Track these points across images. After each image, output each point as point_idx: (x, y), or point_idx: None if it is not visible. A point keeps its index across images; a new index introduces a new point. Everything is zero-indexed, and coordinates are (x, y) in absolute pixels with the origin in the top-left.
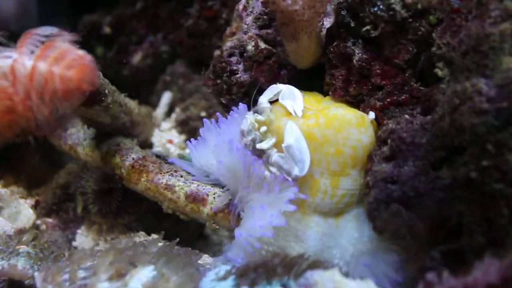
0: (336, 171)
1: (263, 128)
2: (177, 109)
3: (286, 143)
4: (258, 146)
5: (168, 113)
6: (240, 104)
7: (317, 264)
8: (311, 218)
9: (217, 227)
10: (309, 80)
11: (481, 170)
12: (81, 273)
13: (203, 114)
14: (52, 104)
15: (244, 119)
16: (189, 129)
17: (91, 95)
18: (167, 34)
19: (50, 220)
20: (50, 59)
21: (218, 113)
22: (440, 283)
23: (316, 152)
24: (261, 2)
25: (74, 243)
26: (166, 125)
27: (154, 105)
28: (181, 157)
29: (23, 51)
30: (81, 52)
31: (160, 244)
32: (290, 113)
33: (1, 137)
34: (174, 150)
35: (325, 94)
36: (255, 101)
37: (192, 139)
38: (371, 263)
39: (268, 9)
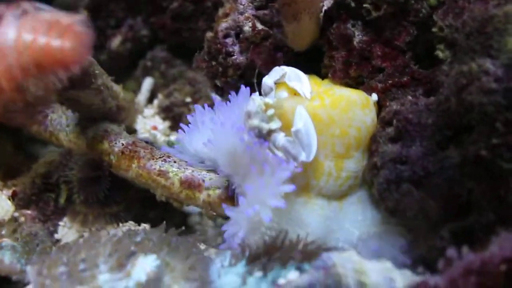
0: (341, 153)
1: (270, 111)
2: (160, 95)
3: (295, 127)
4: (267, 126)
5: (150, 99)
6: (242, 86)
7: (326, 246)
8: (315, 201)
9: (214, 213)
10: (305, 62)
11: (491, 148)
12: (80, 265)
13: (188, 99)
14: (41, 79)
15: (251, 100)
16: (173, 115)
17: (83, 74)
18: (147, 17)
19: (29, 212)
20: (38, 29)
21: (214, 96)
22: (460, 258)
23: (321, 134)
24: None
25: (56, 236)
26: (149, 111)
27: (134, 91)
28: (170, 144)
29: (5, 21)
30: (72, 19)
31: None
32: (296, 96)
33: None
34: (160, 137)
35: (322, 76)
36: (252, 84)
37: (182, 125)
38: (379, 246)
39: None
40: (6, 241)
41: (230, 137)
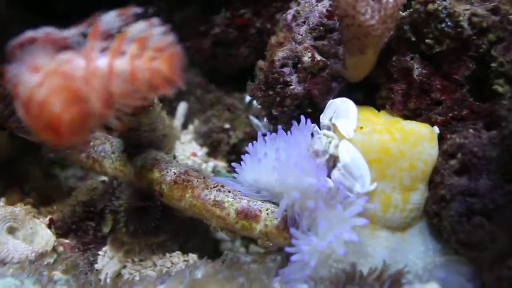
0: (407, 185)
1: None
2: (196, 121)
3: (342, 162)
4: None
5: (184, 125)
6: (303, 118)
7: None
8: (380, 233)
9: (271, 244)
10: (358, 92)
11: None
12: None
13: (227, 126)
14: (139, 101)
15: (318, 139)
16: (211, 142)
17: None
18: (182, 41)
19: (67, 241)
20: (130, 52)
21: (279, 126)
22: None
23: (390, 167)
24: (336, 14)
25: (96, 266)
26: (185, 137)
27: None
28: (217, 172)
29: (93, 48)
30: (163, 37)
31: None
32: (359, 128)
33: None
34: (200, 163)
35: (377, 107)
36: (307, 114)
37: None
38: (446, 276)
39: (344, 23)
40: (57, 274)
41: (296, 172)
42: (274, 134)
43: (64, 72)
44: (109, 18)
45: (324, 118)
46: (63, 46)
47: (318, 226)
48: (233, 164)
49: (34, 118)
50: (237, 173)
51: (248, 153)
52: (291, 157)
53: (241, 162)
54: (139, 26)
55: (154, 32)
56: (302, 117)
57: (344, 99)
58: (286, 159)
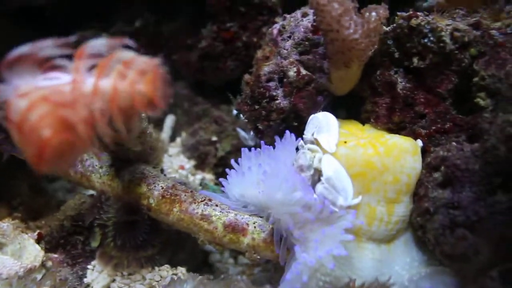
0: (392, 198)
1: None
2: (184, 134)
3: (325, 176)
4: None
5: (171, 137)
6: (288, 132)
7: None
8: (366, 245)
9: (258, 257)
10: (342, 106)
11: None
12: None
13: (214, 138)
14: (121, 123)
15: (302, 154)
16: (199, 154)
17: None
18: (169, 54)
19: (55, 255)
20: (114, 74)
21: (262, 142)
22: None
23: (375, 181)
24: (320, 29)
25: (86, 280)
26: (173, 150)
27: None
28: (205, 185)
29: (79, 69)
30: (148, 60)
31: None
32: (343, 142)
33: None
34: (187, 175)
35: (361, 120)
36: (293, 128)
37: (228, 170)
38: (431, 287)
39: (328, 37)
40: None
41: (284, 187)
42: (258, 149)
43: (51, 97)
44: (97, 44)
45: (306, 133)
46: (50, 66)
47: (308, 241)
48: (220, 179)
49: (26, 141)
50: (224, 188)
51: (233, 167)
52: (277, 172)
53: (227, 177)
54: (126, 52)
55: (140, 57)
56: (287, 132)
57: (325, 113)
58: (272, 174)
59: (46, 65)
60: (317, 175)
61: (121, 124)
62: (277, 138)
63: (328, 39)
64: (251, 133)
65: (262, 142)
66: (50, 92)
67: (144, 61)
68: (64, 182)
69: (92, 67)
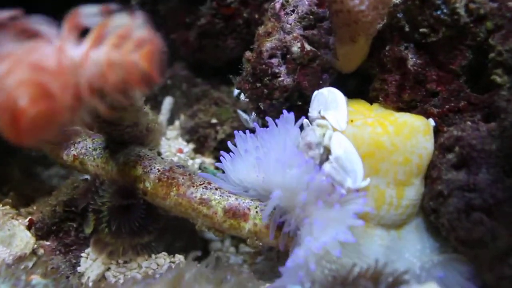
0: (402, 180)
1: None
2: (182, 116)
3: (334, 155)
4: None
5: (170, 120)
6: (285, 112)
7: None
8: (374, 231)
9: (260, 244)
10: (350, 84)
11: None
12: None
13: (214, 120)
14: (113, 97)
15: (311, 131)
16: (198, 137)
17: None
18: (167, 33)
19: (47, 243)
20: (108, 43)
21: (255, 123)
22: None
23: (384, 162)
24: (326, 0)
25: (79, 268)
26: (171, 133)
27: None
28: (204, 169)
29: (66, 36)
30: (145, 32)
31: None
32: (350, 121)
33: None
34: (185, 159)
35: (370, 99)
36: (296, 107)
37: (223, 153)
38: (445, 275)
39: (332, 8)
40: (36, 278)
41: (284, 168)
42: (260, 129)
43: (33, 62)
44: (89, 12)
45: (312, 111)
46: (34, 35)
47: (313, 225)
48: (216, 164)
49: (1, 109)
50: (224, 172)
51: (231, 150)
52: (272, 154)
53: (223, 160)
54: (121, 19)
55: (136, 26)
56: (285, 112)
57: (331, 89)
58: (266, 156)
59: (30, 33)
60: (326, 154)
61: (113, 99)
62: (271, 120)
63: (332, 11)
64: (253, 114)
65: (255, 124)
66: (34, 59)
67: (141, 33)
68: (59, 168)
69: (82, 35)
